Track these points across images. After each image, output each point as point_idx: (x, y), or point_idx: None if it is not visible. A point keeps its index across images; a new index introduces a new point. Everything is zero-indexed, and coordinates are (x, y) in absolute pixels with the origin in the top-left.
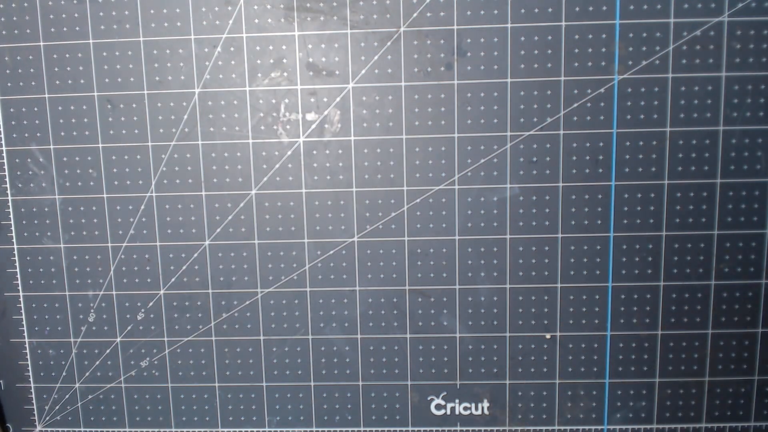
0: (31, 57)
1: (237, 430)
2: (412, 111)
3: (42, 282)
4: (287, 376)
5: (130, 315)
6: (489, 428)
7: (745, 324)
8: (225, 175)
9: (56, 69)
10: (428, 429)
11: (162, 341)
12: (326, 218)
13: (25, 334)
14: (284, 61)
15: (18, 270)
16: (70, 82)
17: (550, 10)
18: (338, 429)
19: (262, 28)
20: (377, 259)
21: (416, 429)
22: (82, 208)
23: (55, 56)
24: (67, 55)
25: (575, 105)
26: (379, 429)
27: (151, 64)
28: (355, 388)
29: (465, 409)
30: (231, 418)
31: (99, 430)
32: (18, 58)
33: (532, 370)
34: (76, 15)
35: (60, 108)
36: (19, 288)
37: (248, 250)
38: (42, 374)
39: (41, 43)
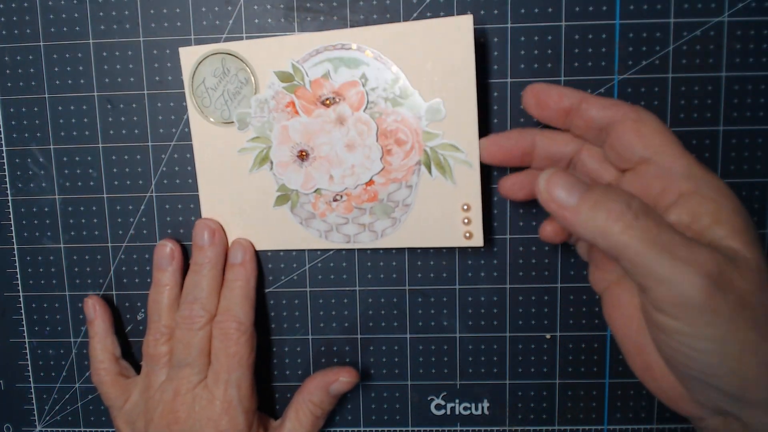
0: (31, 57)
1: None
2: None
3: (42, 282)
4: (287, 376)
5: (130, 315)
6: (489, 428)
7: None
8: None
9: (56, 69)
10: (428, 429)
11: None
12: None
13: (25, 334)
14: None
15: (18, 270)
16: (70, 82)
17: (550, 10)
18: (338, 429)
19: (262, 28)
20: (377, 259)
21: (416, 429)
22: (82, 208)
23: (55, 56)
24: (67, 55)
25: None
26: (379, 429)
27: (151, 64)
28: (354, 388)
29: (465, 409)
30: None
31: (99, 430)
32: (18, 58)
33: (532, 370)
34: (76, 15)
35: (60, 108)
36: (19, 288)
37: None
38: (42, 374)
39: (41, 43)
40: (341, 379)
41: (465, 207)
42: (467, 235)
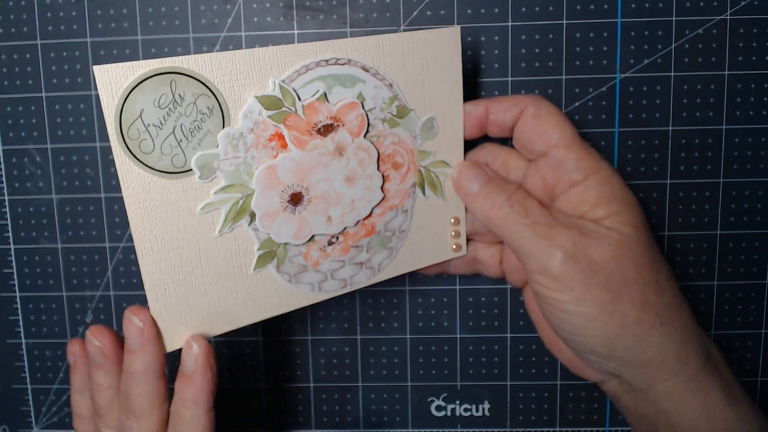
0: (28, 55)
1: (237, 431)
2: None
3: (39, 282)
4: (287, 377)
5: None
6: (490, 429)
7: (749, 325)
8: None
9: (53, 67)
10: (429, 430)
11: None
12: None
13: (22, 334)
14: None
15: (15, 270)
16: (67, 80)
17: (551, 8)
18: (338, 430)
19: (261, 27)
20: None
21: (416, 430)
22: (79, 208)
23: (52, 55)
24: (65, 54)
25: (577, 104)
26: (379, 430)
27: None
28: (354, 389)
29: (465, 410)
30: (231, 420)
31: None
32: (15, 56)
33: (533, 371)
34: (73, 13)
35: (57, 107)
36: (16, 288)
37: None
38: (39, 375)
39: (38, 42)
40: None
41: (453, 221)
42: (454, 247)
